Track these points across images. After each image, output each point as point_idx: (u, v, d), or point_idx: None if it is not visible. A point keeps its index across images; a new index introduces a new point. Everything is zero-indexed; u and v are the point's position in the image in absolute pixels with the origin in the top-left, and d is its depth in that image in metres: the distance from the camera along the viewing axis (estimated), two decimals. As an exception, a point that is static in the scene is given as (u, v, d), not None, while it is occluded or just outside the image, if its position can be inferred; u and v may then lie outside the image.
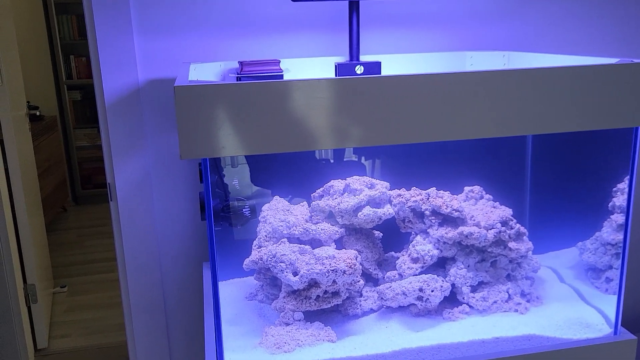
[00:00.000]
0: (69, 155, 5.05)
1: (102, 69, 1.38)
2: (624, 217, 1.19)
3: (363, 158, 1.37)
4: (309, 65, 1.40)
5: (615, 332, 1.13)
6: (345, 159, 1.37)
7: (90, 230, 4.60)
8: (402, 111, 0.92)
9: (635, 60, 1.00)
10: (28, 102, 3.45)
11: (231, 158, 1.34)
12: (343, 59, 1.41)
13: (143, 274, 1.52)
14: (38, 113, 3.83)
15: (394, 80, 0.90)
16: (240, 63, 1.31)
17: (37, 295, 2.86)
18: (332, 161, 1.36)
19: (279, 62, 1.33)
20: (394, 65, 1.44)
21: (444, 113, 0.93)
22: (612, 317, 1.14)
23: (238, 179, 1.32)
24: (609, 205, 1.24)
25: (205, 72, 1.32)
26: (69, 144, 5.03)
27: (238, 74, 1.32)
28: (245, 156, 1.34)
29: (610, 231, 1.22)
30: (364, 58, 1.41)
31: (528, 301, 1.20)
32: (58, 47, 4.82)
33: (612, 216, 1.23)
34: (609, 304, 1.16)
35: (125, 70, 1.40)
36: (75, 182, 5.14)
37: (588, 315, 1.16)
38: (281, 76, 1.31)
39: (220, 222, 1.08)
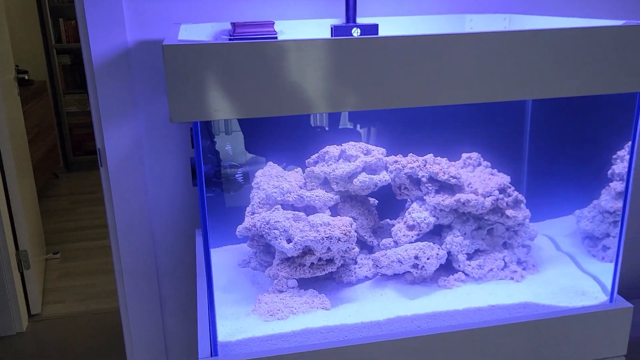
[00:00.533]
0: (59, 121, 4.98)
1: (90, 31, 1.33)
2: (623, 185, 1.17)
3: (359, 125, 1.34)
4: (304, 28, 1.36)
5: (611, 300, 1.12)
6: (340, 126, 1.34)
7: (83, 197, 4.57)
8: (400, 74, 0.88)
9: (642, 23, 0.97)
10: (16, 66, 3.37)
11: (225, 125, 1.31)
12: (339, 21, 1.37)
13: (135, 241, 1.50)
14: (27, 77, 3.75)
15: (391, 41, 0.87)
16: (233, 24, 1.26)
17: (30, 261, 2.85)
18: (327, 128, 1.33)
19: (273, 23, 1.28)
20: (391, 27, 1.40)
21: (442, 76, 0.90)
22: (609, 285, 1.13)
23: (231, 145, 1.29)
24: (608, 172, 1.22)
25: (196, 33, 1.28)
26: (59, 110, 4.96)
27: (230, 35, 1.28)
28: (239, 123, 1.30)
29: (608, 199, 1.21)
30: (360, 20, 1.36)
31: (524, 269, 1.19)
32: (47, 10, 4.70)
33: (611, 184, 1.21)
34: (606, 272, 1.15)
35: (114, 31, 1.35)
36: (66, 148, 5.08)
37: (584, 283, 1.16)
38: (275, 38, 1.27)
39: (212, 188, 1.06)
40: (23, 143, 3.01)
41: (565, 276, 1.18)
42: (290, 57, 0.84)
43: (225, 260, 1.25)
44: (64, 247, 3.68)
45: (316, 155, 1.18)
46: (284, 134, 1.29)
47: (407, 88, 0.89)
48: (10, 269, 2.68)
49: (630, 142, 1.05)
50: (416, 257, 1.11)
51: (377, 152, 1.17)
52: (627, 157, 1.13)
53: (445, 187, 1.16)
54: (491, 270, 1.16)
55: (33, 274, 2.88)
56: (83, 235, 3.88)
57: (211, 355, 0.98)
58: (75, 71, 4.98)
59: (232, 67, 0.82)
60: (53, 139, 4.74)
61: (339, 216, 1.14)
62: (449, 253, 1.15)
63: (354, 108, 0.89)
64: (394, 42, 0.87)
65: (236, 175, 1.06)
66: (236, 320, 1.04)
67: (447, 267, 1.17)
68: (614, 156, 1.21)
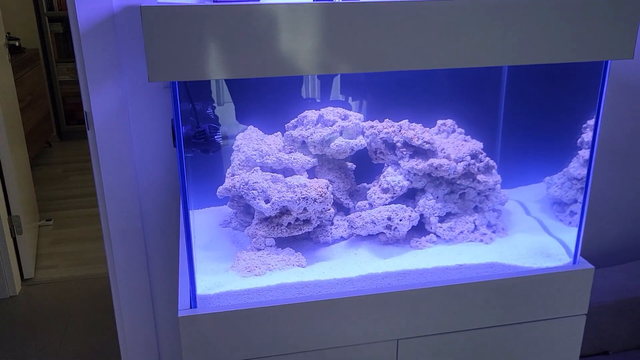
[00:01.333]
0: (52, 90, 4.98)
1: (76, -6, 1.36)
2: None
3: (338, 92, 1.37)
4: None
5: (574, 262, 1.17)
6: (322, 94, 1.37)
7: (75, 166, 4.60)
8: (380, 38, 0.91)
9: (609, -6, 1.00)
10: (8, 33, 3.37)
11: (217, 96, 1.34)
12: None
13: (121, 202, 1.54)
14: (18, 44, 3.74)
15: (373, 6, 0.90)
16: (216, -10, 1.28)
17: (22, 227, 2.89)
18: (312, 96, 1.36)
19: (256, -10, 1.30)
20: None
21: (420, 41, 0.93)
22: (573, 247, 1.18)
23: (221, 115, 1.32)
24: (578, 141, 1.27)
25: (180, -1, 1.30)
26: (51, 78, 4.94)
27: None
28: (231, 94, 1.33)
29: (577, 166, 1.25)
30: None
31: (494, 232, 1.24)
32: (38, -23, 4.66)
33: (579, 152, 1.26)
34: (571, 236, 1.20)
35: (100, -5, 1.37)
36: (59, 117, 5.08)
37: (550, 246, 1.21)
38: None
39: (192, 149, 1.09)
40: (15, 110, 3.02)
41: (532, 239, 1.23)
42: (273, 20, 0.87)
43: (207, 220, 1.29)
44: (56, 214, 3.73)
45: (295, 119, 1.22)
46: (269, 103, 1.32)
47: (388, 52, 0.92)
48: (2, 234, 2.72)
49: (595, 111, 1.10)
50: (389, 219, 1.16)
51: (354, 118, 1.20)
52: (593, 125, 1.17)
53: (419, 152, 1.20)
54: (462, 232, 1.21)
55: (26, 240, 2.92)
56: (75, 203, 3.91)
57: (190, 307, 1.03)
58: (68, 39, 4.96)
59: (209, 29, 0.85)
60: (46, 108, 4.75)
61: (315, 178, 1.18)
62: (421, 215, 1.20)
63: (336, 71, 0.93)
64: (375, 7, 0.90)
65: (216, 136, 1.09)
66: (215, 275, 1.09)
67: (420, 229, 1.22)
68: (584, 125, 1.25)
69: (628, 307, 1.72)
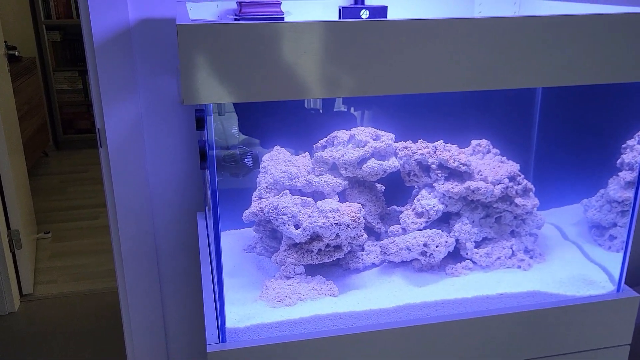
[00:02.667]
0: (49, 99, 4.90)
1: (90, 7, 1.29)
2: (632, 174, 1.17)
3: (366, 111, 1.32)
4: (312, 8, 1.33)
5: (618, 290, 1.12)
6: (345, 110, 1.32)
7: (73, 176, 4.52)
8: (409, 59, 0.86)
9: (660, 11, 0.95)
10: (5, 41, 3.30)
11: (218, 106, 1.28)
12: (347, 2, 1.34)
13: (134, 222, 1.48)
14: (17, 53, 3.68)
15: (400, 24, 0.84)
16: (239, 4, 1.23)
17: (22, 241, 2.81)
18: (336, 112, 1.31)
19: (280, 3, 1.25)
20: (400, 10, 1.37)
21: (452, 62, 0.88)
22: (616, 274, 1.13)
23: (225, 127, 1.26)
24: (617, 162, 1.22)
25: (201, 12, 1.24)
26: (49, 87, 4.87)
27: (236, 15, 1.25)
28: (234, 104, 1.28)
29: (617, 188, 1.20)
30: (369, 2, 1.34)
31: (531, 257, 1.18)
32: (36, -16, 4.60)
33: (619, 173, 1.21)
34: (612, 261, 1.14)
35: (115, 8, 1.31)
36: (56, 126, 5.00)
37: (591, 272, 1.15)
38: (282, 18, 1.24)
39: (221, 172, 1.03)
40: (13, 120, 2.95)
41: (572, 265, 1.17)
42: (297, 39, 0.81)
43: (229, 244, 1.23)
44: (54, 226, 3.65)
45: (324, 139, 1.16)
46: (288, 118, 1.27)
47: (414, 73, 0.87)
48: (2, 248, 2.64)
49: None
50: (425, 245, 1.10)
51: (387, 138, 1.15)
52: (638, 146, 1.12)
53: (455, 174, 1.15)
54: (499, 258, 1.15)
55: (25, 254, 2.85)
56: (74, 215, 3.84)
57: (219, 342, 0.96)
58: (66, 48, 4.89)
59: (250, 49, 0.79)
60: (43, 117, 4.67)
61: (347, 202, 1.12)
62: (457, 241, 1.15)
63: (365, 93, 0.87)
64: (402, 26, 0.84)
65: (245, 159, 1.03)
66: (243, 306, 1.03)
67: (455, 255, 1.16)
68: (623, 145, 1.20)
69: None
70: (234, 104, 1.29)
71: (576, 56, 0.92)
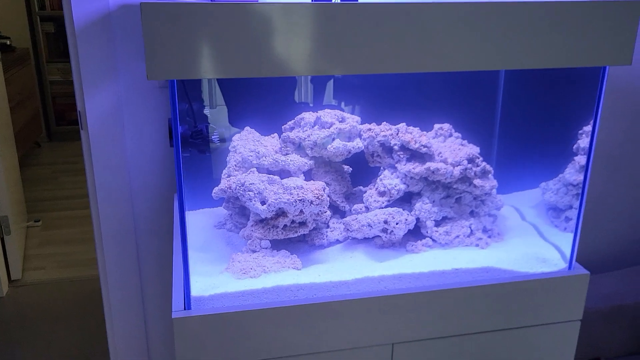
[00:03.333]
0: (42, 90, 4.94)
1: (72, -8, 1.34)
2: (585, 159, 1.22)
3: (336, 91, 1.37)
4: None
5: (569, 267, 1.17)
6: (316, 96, 1.37)
7: (64, 167, 4.56)
8: (377, 40, 0.91)
9: None
10: (-2, 31, 3.34)
11: (210, 99, 1.33)
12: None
13: (114, 203, 1.52)
14: (9, 43, 3.72)
15: (369, 8, 0.89)
16: (214, -10, 1.28)
17: (11, 227, 2.85)
18: (304, 96, 1.36)
19: (254, -10, 1.30)
20: None
21: (418, 44, 0.93)
22: (568, 253, 1.18)
23: (214, 118, 1.31)
24: (574, 147, 1.27)
25: (177, -2, 1.29)
26: (42, 78, 4.91)
27: None
28: (224, 96, 1.32)
29: (572, 172, 1.26)
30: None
31: (489, 237, 1.24)
32: (30, -24, 4.63)
33: (575, 158, 1.26)
34: (566, 242, 1.20)
35: (96, -6, 1.36)
36: (49, 118, 5.04)
37: (545, 251, 1.21)
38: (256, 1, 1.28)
39: (188, 149, 1.08)
40: (5, 110, 2.99)
41: (528, 244, 1.23)
42: (270, 20, 0.86)
43: (201, 222, 1.28)
44: (45, 215, 3.69)
45: (292, 121, 1.21)
46: (265, 106, 1.31)
47: (384, 54, 0.92)
48: (-10, 234, 2.69)
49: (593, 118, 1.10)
50: (385, 222, 1.15)
51: (352, 120, 1.20)
52: (588, 130, 1.18)
53: (416, 155, 1.20)
54: (457, 236, 1.20)
55: (14, 241, 2.89)
56: (64, 204, 3.88)
57: (184, 309, 1.01)
58: (59, 39, 4.93)
59: (210, 27, 0.84)
60: (35, 108, 4.71)
61: (312, 181, 1.17)
62: (417, 219, 1.20)
63: (332, 72, 0.92)
64: (372, 9, 0.89)
65: (213, 137, 1.08)
66: (210, 277, 1.08)
67: (416, 233, 1.21)
68: (580, 131, 1.25)
69: (619, 313, 1.72)
70: (224, 96, 1.33)
71: (535, 41, 0.98)
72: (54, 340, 2.46)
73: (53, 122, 5.07)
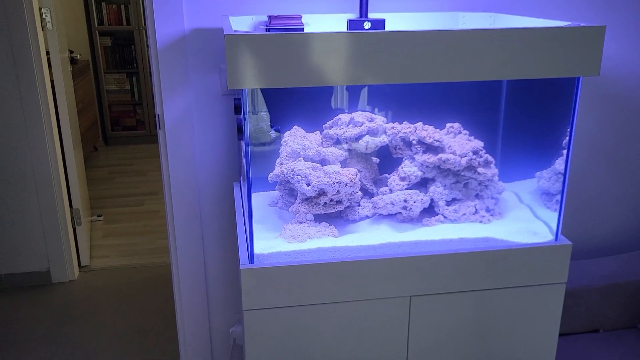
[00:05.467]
0: (99, 98, 5.38)
1: (155, 18, 1.68)
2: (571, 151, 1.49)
3: (367, 97, 1.67)
4: (325, 20, 1.69)
5: (556, 239, 1.44)
6: (351, 102, 1.67)
7: (120, 169, 4.97)
8: (397, 58, 1.21)
9: (582, 24, 1.28)
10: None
11: (252, 105, 1.65)
12: (354, 16, 1.70)
13: (183, 190, 1.86)
14: (78, 56, 4.14)
15: (392, 35, 1.19)
16: (269, 17, 1.60)
17: (81, 219, 3.24)
18: (340, 101, 1.66)
19: (301, 17, 1.61)
20: (397, 22, 1.72)
21: (429, 61, 1.22)
22: (555, 228, 1.45)
23: (264, 112, 1.63)
24: (564, 142, 1.54)
25: (241, 24, 1.62)
26: (100, 88, 5.35)
27: (267, 26, 1.61)
28: (267, 104, 1.64)
29: (561, 162, 1.52)
30: (372, 15, 1.69)
31: (492, 215, 1.51)
32: (91, -6, 5.08)
33: (564, 151, 1.53)
34: (555, 219, 1.47)
35: (174, 20, 1.70)
36: (105, 123, 5.48)
37: (537, 227, 1.48)
38: (302, 29, 1.60)
39: (251, 141, 1.39)
40: (74, 116, 3.39)
41: (523, 221, 1.50)
42: (315, 45, 1.17)
43: (258, 202, 1.60)
44: (105, 211, 4.09)
45: (331, 121, 1.52)
46: (309, 110, 1.62)
47: (402, 68, 1.22)
48: (65, 224, 3.07)
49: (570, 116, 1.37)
50: (405, 201, 1.45)
51: (379, 120, 1.50)
52: (569, 127, 1.45)
53: (431, 148, 1.49)
54: (464, 214, 1.49)
55: (83, 231, 3.27)
56: (122, 201, 4.27)
57: (249, 262, 1.33)
58: (116, 52, 5.36)
59: (273, 50, 1.16)
60: (94, 115, 5.15)
61: (347, 167, 1.48)
62: (431, 200, 1.49)
63: (363, 83, 1.22)
64: (394, 36, 1.19)
65: (270, 132, 1.40)
66: (267, 241, 1.39)
67: (430, 211, 1.50)
68: (568, 128, 1.52)
69: (617, 290, 1.96)
70: (269, 101, 1.65)
71: (526, 57, 1.26)
72: (120, 317, 2.82)
73: (109, 128, 5.50)
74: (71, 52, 4.36)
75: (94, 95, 5.19)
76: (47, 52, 2.94)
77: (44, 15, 2.83)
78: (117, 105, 5.48)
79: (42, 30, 2.85)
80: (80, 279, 3.17)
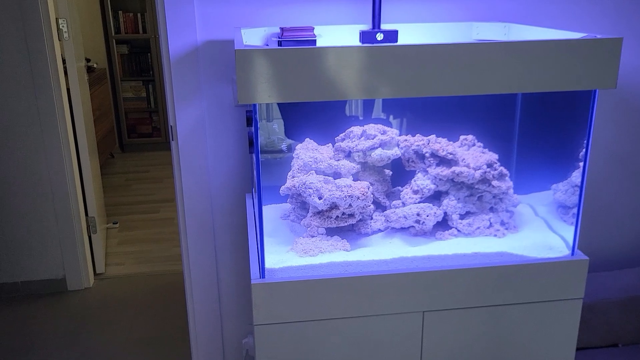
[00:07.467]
0: (116, 106, 5.43)
1: (169, 30, 1.69)
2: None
3: (380, 110, 1.65)
4: (337, 32, 1.68)
5: (572, 254, 1.42)
6: (363, 114, 1.66)
7: (136, 176, 5.01)
8: (413, 72, 1.19)
9: (598, 36, 1.26)
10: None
11: (267, 114, 1.65)
12: (367, 26, 1.69)
13: (196, 201, 1.86)
14: (95, 65, 4.17)
15: (406, 49, 1.18)
16: (282, 29, 1.59)
17: (97, 227, 3.26)
18: (353, 114, 1.65)
19: (313, 28, 1.61)
20: (410, 32, 1.71)
21: (447, 75, 1.21)
22: (572, 242, 1.42)
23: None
24: (580, 154, 1.51)
25: (252, 36, 1.62)
26: (116, 95, 5.40)
27: (279, 38, 1.61)
28: (283, 116, 1.63)
29: (578, 175, 1.50)
30: (384, 26, 1.68)
31: (506, 229, 1.49)
32: (108, 3, 5.13)
33: (581, 163, 1.50)
34: (572, 233, 1.44)
35: (187, 32, 1.70)
36: (122, 131, 5.52)
37: (553, 240, 1.45)
38: (314, 41, 1.59)
39: (262, 154, 1.39)
40: (90, 124, 3.42)
41: (538, 235, 1.47)
42: (328, 58, 1.16)
43: (270, 214, 1.59)
44: (120, 218, 4.11)
45: (343, 133, 1.51)
46: (319, 122, 1.62)
47: (415, 82, 1.20)
48: (81, 232, 3.10)
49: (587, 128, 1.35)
50: (418, 215, 1.43)
51: (391, 132, 1.48)
52: (585, 139, 1.42)
53: (444, 161, 1.47)
54: (478, 228, 1.47)
55: (98, 239, 3.30)
56: (137, 208, 4.30)
57: (260, 277, 1.32)
58: (132, 60, 5.41)
59: (283, 65, 1.15)
60: (110, 122, 5.19)
61: (359, 181, 1.47)
62: (445, 213, 1.47)
63: (375, 97, 1.21)
64: (408, 50, 1.18)
65: (281, 146, 1.39)
66: (278, 255, 1.38)
67: (443, 225, 1.48)
68: (585, 141, 1.49)
69: (636, 303, 1.92)
70: (281, 113, 1.65)
71: (540, 70, 1.24)
72: (136, 324, 2.83)
73: (125, 135, 5.55)
74: (88, 60, 4.41)
75: (110, 103, 5.24)
76: (64, 61, 2.97)
77: (60, 26, 2.86)
78: (134, 113, 5.52)
79: (59, 40, 2.88)
80: (96, 287, 3.19)
